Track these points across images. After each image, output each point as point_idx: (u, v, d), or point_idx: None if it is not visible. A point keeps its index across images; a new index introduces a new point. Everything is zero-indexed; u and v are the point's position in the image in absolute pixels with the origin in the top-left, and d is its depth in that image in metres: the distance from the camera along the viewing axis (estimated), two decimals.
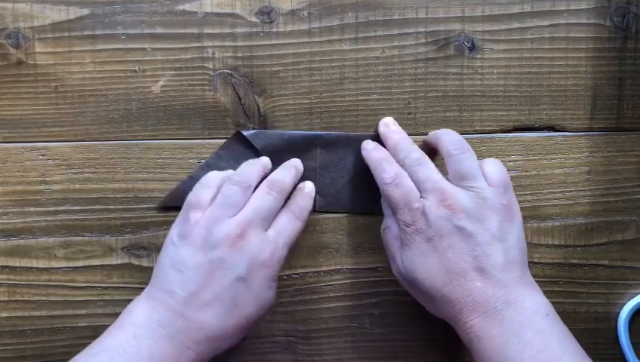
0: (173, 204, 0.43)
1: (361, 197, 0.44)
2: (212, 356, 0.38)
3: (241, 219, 0.38)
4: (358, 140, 0.43)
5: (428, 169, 0.39)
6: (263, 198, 0.39)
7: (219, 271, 0.37)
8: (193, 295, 0.37)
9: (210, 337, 0.37)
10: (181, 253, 0.38)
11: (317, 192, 0.44)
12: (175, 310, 0.37)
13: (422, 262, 0.37)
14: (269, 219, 0.39)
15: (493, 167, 0.39)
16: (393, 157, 0.40)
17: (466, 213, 0.37)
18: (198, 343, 0.37)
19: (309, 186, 0.43)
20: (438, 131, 0.42)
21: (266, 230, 0.39)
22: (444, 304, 0.37)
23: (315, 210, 0.44)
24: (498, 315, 0.35)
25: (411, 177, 0.39)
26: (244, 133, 0.43)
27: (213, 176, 0.41)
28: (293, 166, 0.42)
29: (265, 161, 0.42)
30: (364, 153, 0.42)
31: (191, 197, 0.40)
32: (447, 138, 0.40)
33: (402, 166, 0.40)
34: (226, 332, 0.38)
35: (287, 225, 0.40)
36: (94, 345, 0.37)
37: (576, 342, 0.36)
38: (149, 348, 0.36)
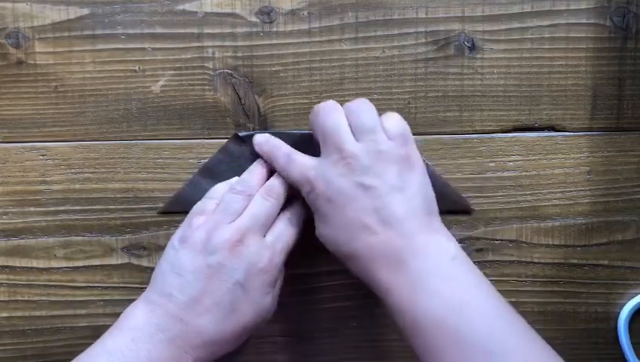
0: (173, 210, 0.44)
1: None
2: (211, 359, 0.38)
3: (239, 225, 0.38)
4: None
5: (335, 127, 0.38)
6: (261, 205, 0.40)
7: (217, 276, 0.37)
8: (192, 299, 0.37)
9: (208, 342, 0.37)
10: (180, 257, 0.38)
11: None
12: (174, 314, 0.37)
13: (328, 226, 0.37)
14: (266, 225, 0.40)
15: (393, 120, 0.39)
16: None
17: (364, 168, 0.37)
18: (195, 348, 0.37)
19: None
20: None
21: (264, 235, 0.39)
22: (350, 261, 0.37)
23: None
24: (402, 265, 0.35)
25: (315, 131, 0.39)
26: (242, 134, 0.43)
27: (220, 188, 0.41)
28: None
29: (262, 163, 0.42)
30: (256, 149, 0.42)
31: (197, 205, 0.41)
32: (348, 104, 0.39)
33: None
34: (223, 337, 0.38)
35: (284, 231, 0.40)
36: (94, 347, 0.37)
37: (486, 283, 0.35)
38: (148, 352, 0.36)
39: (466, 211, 0.44)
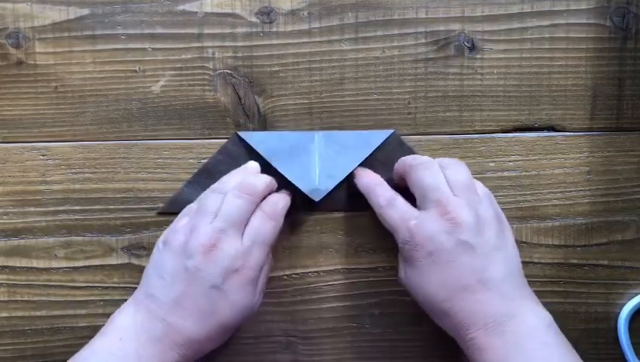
0: (172, 210, 0.43)
1: (360, 195, 0.44)
2: (197, 357, 0.39)
3: (213, 229, 0.38)
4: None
5: (434, 184, 0.38)
6: (233, 204, 0.39)
7: (195, 281, 0.37)
8: (173, 301, 0.37)
9: (190, 340, 0.38)
10: (163, 259, 0.39)
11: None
12: (156, 315, 0.37)
13: (422, 278, 0.37)
14: (241, 224, 0.39)
15: (478, 183, 0.40)
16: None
17: (469, 226, 0.37)
18: (180, 346, 0.37)
19: (263, 178, 0.42)
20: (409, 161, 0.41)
21: (242, 233, 0.39)
22: (445, 317, 0.37)
23: (313, 209, 0.44)
24: (500, 327, 0.35)
25: (412, 186, 0.39)
26: (241, 134, 0.43)
27: (210, 191, 0.41)
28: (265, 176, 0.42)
29: (251, 166, 0.42)
30: (356, 181, 0.43)
31: (185, 209, 0.41)
32: (440, 159, 0.40)
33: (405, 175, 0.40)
34: (207, 336, 0.38)
35: (260, 228, 0.39)
36: (83, 350, 0.38)
37: (576, 354, 0.36)
38: (135, 351, 0.37)
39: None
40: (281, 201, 0.41)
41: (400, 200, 0.40)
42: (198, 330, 0.38)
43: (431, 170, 0.39)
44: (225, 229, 0.38)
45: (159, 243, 0.40)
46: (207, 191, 0.41)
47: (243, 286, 0.38)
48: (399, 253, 0.40)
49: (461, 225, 0.37)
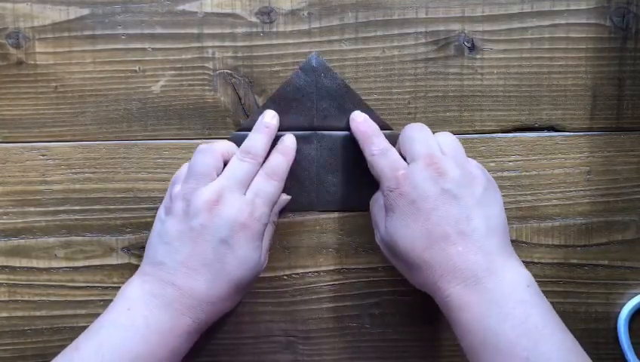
0: None
1: (360, 196, 0.44)
2: (211, 321, 0.39)
3: (216, 186, 0.39)
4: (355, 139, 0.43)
5: (424, 140, 0.39)
6: (237, 166, 0.40)
7: (202, 238, 0.38)
8: (181, 263, 0.38)
9: (203, 302, 0.38)
10: (166, 227, 0.39)
11: (315, 191, 0.44)
12: (165, 280, 0.37)
13: (404, 226, 0.37)
14: (245, 184, 0.40)
15: (477, 165, 0.40)
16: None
17: (454, 176, 0.37)
18: (191, 308, 0.37)
19: (286, 140, 0.43)
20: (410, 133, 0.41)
21: (245, 193, 0.40)
22: (424, 270, 0.37)
23: (314, 209, 0.44)
24: (479, 284, 0.35)
25: (403, 142, 0.40)
26: (241, 134, 0.43)
27: (197, 152, 0.41)
28: (265, 126, 0.42)
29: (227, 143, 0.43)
30: (352, 124, 0.43)
31: (175, 175, 0.41)
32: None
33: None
34: (218, 295, 0.38)
35: (263, 185, 0.40)
36: (94, 323, 0.37)
37: (557, 316, 0.36)
38: (145, 319, 0.36)
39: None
40: (282, 163, 0.41)
41: (393, 152, 0.40)
42: (209, 289, 0.38)
43: (422, 130, 0.40)
44: (228, 186, 0.39)
45: (160, 214, 0.40)
46: (194, 154, 0.40)
47: (249, 239, 0.39)
48: (376, 211, 0.40)
49: (446, 175, 0.37)
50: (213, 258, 0.38)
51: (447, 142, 0.39)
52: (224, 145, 0.41)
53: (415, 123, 0.41)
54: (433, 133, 0.40)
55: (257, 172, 0.41)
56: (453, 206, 0.36)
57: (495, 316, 0.34)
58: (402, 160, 0.39)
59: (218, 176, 0.40)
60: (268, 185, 0.40)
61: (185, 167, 0.41)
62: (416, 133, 0.40)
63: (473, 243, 0.36)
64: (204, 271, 0.38)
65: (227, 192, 0.39)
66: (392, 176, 0.38)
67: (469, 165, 0.39)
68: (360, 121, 0.43)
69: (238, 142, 0.43)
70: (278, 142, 0.43)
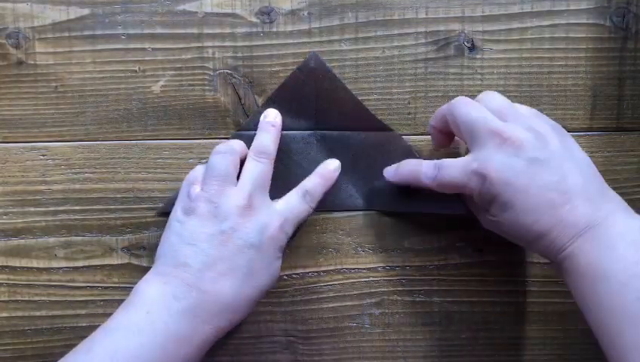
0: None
1: (360, 195, 0.44)
2: (227, 330, 0.38)
3: (244, 189, 0.39)
4: (356, 138, 0.43)
5: (479, 116, 0.38)
6: (256, 167, 0.40)
7: (232, 241, 0.38)
8: (207, 266, 0.37)
9: (226, 308, 0.37)
10: (189, 227, 0.38)
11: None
12: (189, 283, 0.37)
13: (507, 213, 0.36)
14: (266, 186, 0.40)
15: (520, 105, 0.39)
16: None
17: (531, 143, 0.36)
18: (214, 316, 0.37)
19: (330, 164, 0.43)
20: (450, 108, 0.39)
21: (269, 198, 0.40)
22: (539, 241, 0.36)
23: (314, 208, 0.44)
24: (589, 232, 0.35)
25: (458, 126, 0.38)
26: (242, 134, 0.43)
27: (215, 154, 0.41)
28: (271, 125, 0.42)
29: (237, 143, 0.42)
30: (391, 175, 0.42)
31: (189, 176, 0.41)
32: (477, 97, 0.40)
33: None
34: (241, 302, 0.38)
35: (298, 205, 0.41)
36: (108, 322, 0.36)
37: None
38: (165, 324, 0.35)
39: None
40: (319, 187, 0.42)
41: (445, 160, 0.39)
42: (235, 295, 0.37)
43: (472, 104, 0.38)
44: (254, 192, 0.39)
45: (178, 215, 0.39)
46: (212, 154, 0.40)
47: (276, 250, 0.39)
48: (473, 206, 0.39)
49: (524, 144, 0.36)
50: (242, 262, 0.38)
51: (497, 104, 0.38)
52: (240, 145, 0.41)
53: (456, 101, 0.39)
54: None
55: (271, 170, 0.41)
56: (545, 171, 0.36)
57: (607, 258, 0.34)
58: (457, 159, 0.38)
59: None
60: (302, 206, 0.41)
61: (200, 168, 0.41)
62: (472, 113, 0.38)
63: (577, 197, 0.35)
64: (231, 275, 0.37)
65: (255, 197, 0.39)
66: (469, 176, 0.37)
67: (531, 120, 0.37)
68: (394, 172, 0.42)
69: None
70: (322, 165, 0.43)
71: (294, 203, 0.41)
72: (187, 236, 0.38)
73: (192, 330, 0.36)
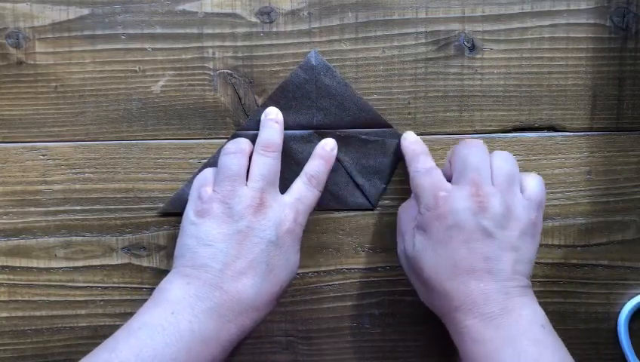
0: (173, 211, 0.44)
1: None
2: (252, 328, 0.38)
3: (255, 187, 0.39)
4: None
5: (477, 164, 0.38)
6: (264, 163, 0.40)
7: (249, 239, 0.38)
8: (227, 266, 0.37)
9: (249, 307, 0.37)
10: (204, 229, 0.38)
11: None
12: (212, 283, 0.37)
13: (433, 250, 0.37)
14: (275, 181, 0.41)
15: (535, 181, 0.39)
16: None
17: (494, 215, 0.37)
18: (238, 314, 0.37)
19: (328, 144, 0.43)
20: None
21: (278, 191, 0.41)
22: (442, 297, 0.37)
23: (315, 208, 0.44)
24: (495, 320, 0.35)
25: (455, 160, 0.39)
26: (242, 134, 0.43)
27: (224, 155, 0.41)
28: (274, 121, 0.42)
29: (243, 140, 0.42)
30: (403, 143, 0.43)
31: (198, 178, 0.41)
32: (495, 151, 0.40)
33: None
34: (263, 299, 0.38)
35: (305, 192, 0.41)
36: (132, 322, 0.36)
37: (570, 356, 0.36)
38: (189, 324, 0.35)
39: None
40: (322, 168, 0.42)
41: (438, 172, 0.39)
42: (257, 294, 0.37)
43: (479, 152, 0.39)
44: (265, 188, 0.39)
45: (191, 217, 0.39)
46: (221, 154, 0.40)
47: (294, 243, 0.39)
48: (405, 220, 0.40)
49: (487, 211, 0.37)
50: (261, 260, 0.38)
51: (502, 169, 0.38)
52: (248, 143, 0.41)
53: (473, 140, 0.40)
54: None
55: (279, 164, 0.41)
56: (486, 244, 0.36)
57: (509, 353, 0.34)
58: (446, 182, 0.39)
59: None
60: (310, 193, 0.41)
61: (208, 171, 0.41)
62: (472, 156, 0.39)
63: (496, 283, 0.36)
64: (251, 273, 0.37)
65: (267, 194, 0.39)
66: (432, 195, 0.38)
67: (516, 201, 0.38)
68: (412, 140, 0.43)
69: None
70: (319, 146, 0.43)
71: (303, 192, 0.41)
72: (203, 237, 0.38)
73: (217, 330, 0.36)
